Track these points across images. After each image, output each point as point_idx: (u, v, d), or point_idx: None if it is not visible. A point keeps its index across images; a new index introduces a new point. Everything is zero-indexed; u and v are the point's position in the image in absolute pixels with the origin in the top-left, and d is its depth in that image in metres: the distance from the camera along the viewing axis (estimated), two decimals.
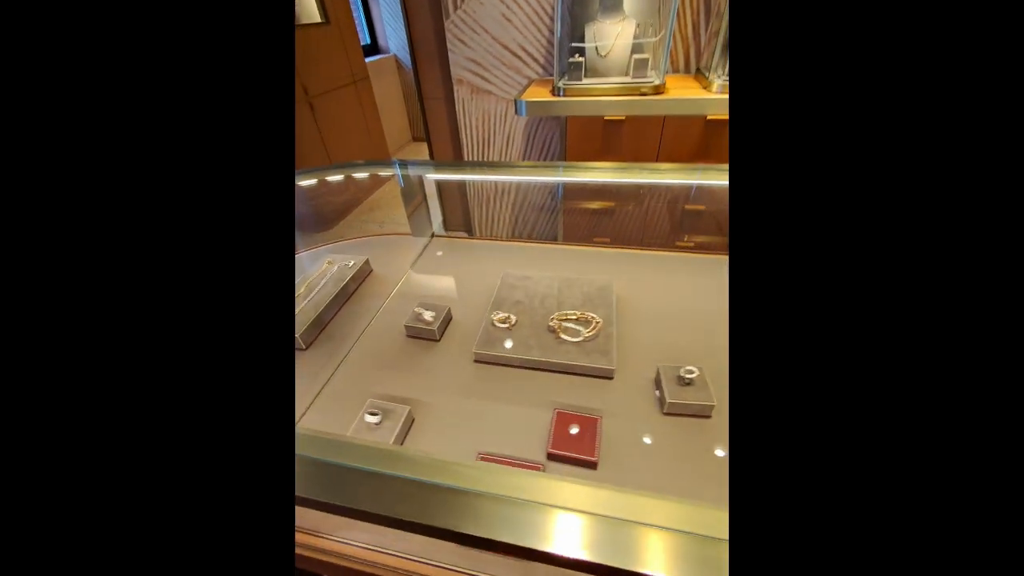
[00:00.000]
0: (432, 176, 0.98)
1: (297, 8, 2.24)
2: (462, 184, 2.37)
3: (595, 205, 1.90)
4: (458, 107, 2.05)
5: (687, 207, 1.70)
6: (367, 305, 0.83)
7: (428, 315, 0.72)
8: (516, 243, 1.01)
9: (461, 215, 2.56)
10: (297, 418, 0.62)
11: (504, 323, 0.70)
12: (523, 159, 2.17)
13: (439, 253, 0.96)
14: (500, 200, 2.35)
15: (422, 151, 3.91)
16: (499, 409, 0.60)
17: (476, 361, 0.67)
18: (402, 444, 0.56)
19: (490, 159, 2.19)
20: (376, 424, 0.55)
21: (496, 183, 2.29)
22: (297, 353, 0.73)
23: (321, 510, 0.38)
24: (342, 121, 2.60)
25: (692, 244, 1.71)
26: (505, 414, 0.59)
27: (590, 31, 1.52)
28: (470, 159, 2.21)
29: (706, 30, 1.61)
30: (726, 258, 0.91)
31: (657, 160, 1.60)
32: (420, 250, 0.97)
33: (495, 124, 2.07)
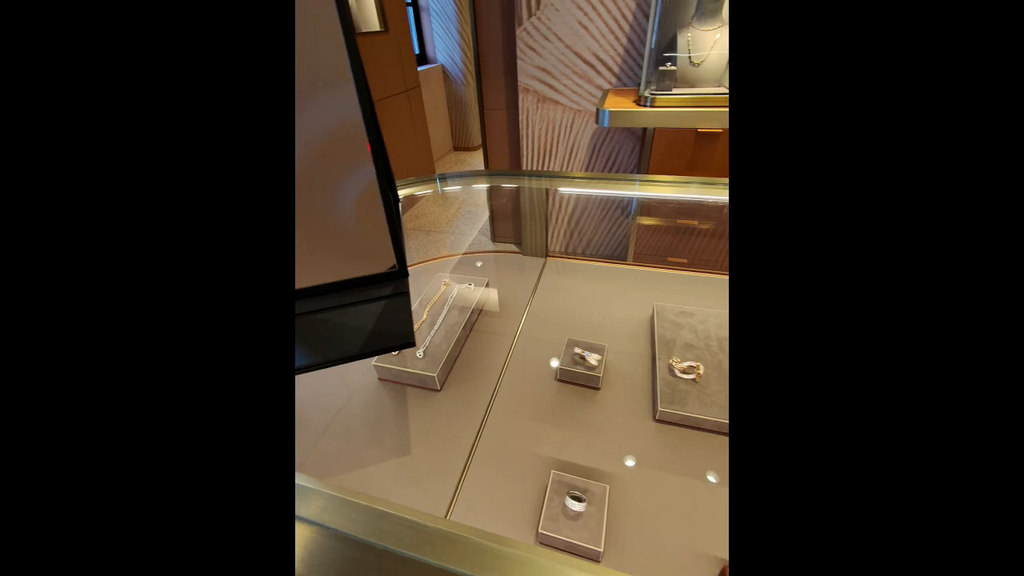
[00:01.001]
0: (567, 191, 0.87)
1: (357, 17, 2.20)
2: (516, 195, 2.28)
3: (668, 223, 1.78)
4: (521, 116, 1.97)
5: None
6: (495, 335, 0.72)
7: (593, 359, 0.60)
8: (642, 267, 0.89)
9: (513, 227, 2.46)
10: (454, 485, 0.50)
11: (689, 373, 0.57)
12: (585, 171, 2.07)
13: (550, 276, 0.85)
14: (554, 214, 2.25)
15: (462, 160, 3.86)
16: (715, 492, 0.48)
17: (658, 420, 0.55)
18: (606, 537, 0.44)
19: (551, 168, 2.09)
20: (580, 512, 0.44)
21: (554, 196, 2.19)
22: (432, 395, 0.62)
23: None
24: (393, 129, 2.55)
25: None
26: (724, 499, 0.47)
27: (683, 38, 1.41)
28: (528, 169, 2.12)
29: None
30: None
31: None
32: (537, 272, 0.86)
33: (559, 134, 1.98)
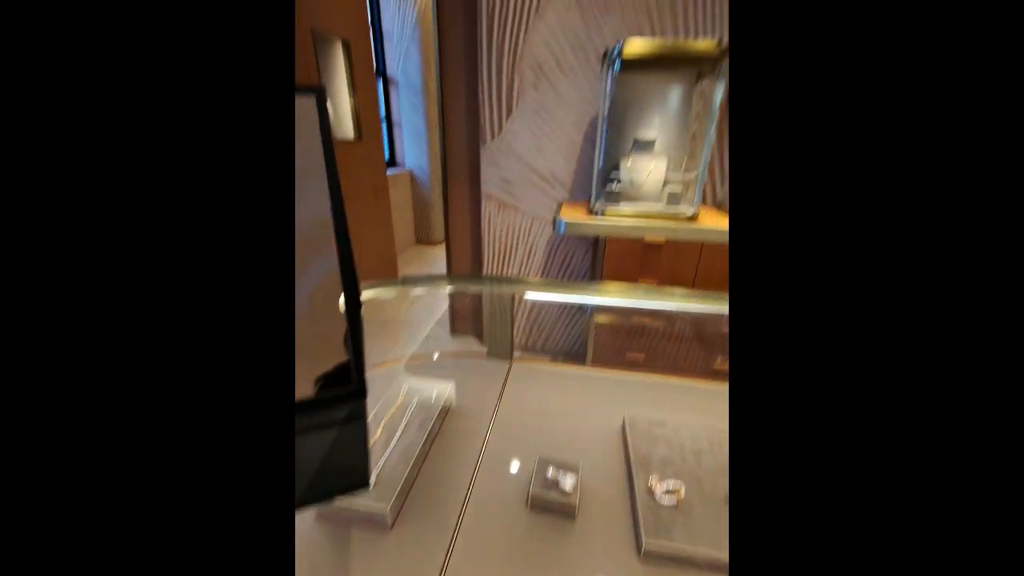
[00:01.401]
0: (533, 296, 0.89)
1: (335, 125, 2.39)
2: (477, 296, 2.31)
3: (622, 320, 1.85)
4: (483, 219, 2.10)
5: (725, 331, 1.68)
6: (459, 450, 0.64)
7: (568, 483, 0.54)
8: (606, 372, 0.88)
9: (472, 323, 2.45)
10: None
11: (671, 495, 0.53)
12: (543, 271, 2.17)
13: (522, 382, 0.82)
14: (516, 312, 2.28)
15: (424, 253, 3.96)
16: None
17: (644, 556, 0.49)
18: None
19: (510, 268, 2.18)
20: None
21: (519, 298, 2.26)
22: (381, 535, 0.52)
23: None
24: (360, 224, 2.61)
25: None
26: None
27: (625, 164, 1.64)
28: (489, 268, 2.20)
29: (724, 163, 1.80)
30: None
31: (694, 283, 1.62)
32: (502, 378, 0.82)
33: (518, 237, 2.11)
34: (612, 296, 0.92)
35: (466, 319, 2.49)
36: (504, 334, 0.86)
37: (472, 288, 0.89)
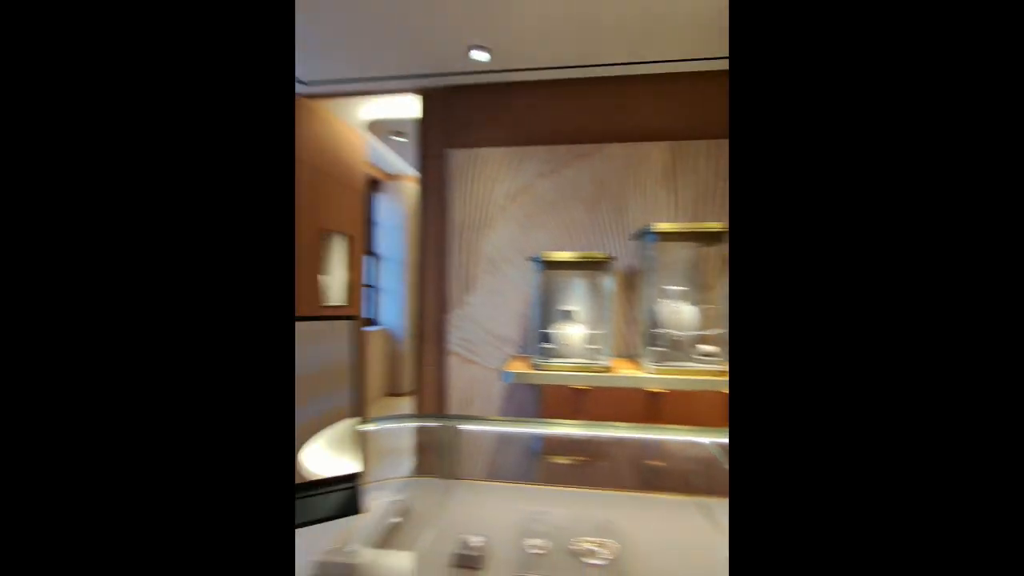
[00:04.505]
0: (465, 427, 1.24)
1: (328, 293, 2.93)
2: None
3: (568, 460, 2.11)
4: (447, 372, 2.50)
5: (646, 462, 1.98)
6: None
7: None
8: (551, 488, 1.18)
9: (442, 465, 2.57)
10: None
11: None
12: (500, 415, 2.48)
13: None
14: (476, 453, 2.48)
15: (393, 404, 4.16)
16: None
17: None
18: None
19: (471, 414, 2.48)
20: None
21: (476, 438, 2.49)
22: None
23: None
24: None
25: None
26: None
27: (555, 329, 2.18)
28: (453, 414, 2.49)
29: (631, 326, 2.37)
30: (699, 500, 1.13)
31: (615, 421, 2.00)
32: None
33: (478, 387, 2.49)
34: (554, 428, 1.26)
35: (431, 462, 2.62)
36: (452, 462, 1.18)
37: (431, 423, 1.22)
